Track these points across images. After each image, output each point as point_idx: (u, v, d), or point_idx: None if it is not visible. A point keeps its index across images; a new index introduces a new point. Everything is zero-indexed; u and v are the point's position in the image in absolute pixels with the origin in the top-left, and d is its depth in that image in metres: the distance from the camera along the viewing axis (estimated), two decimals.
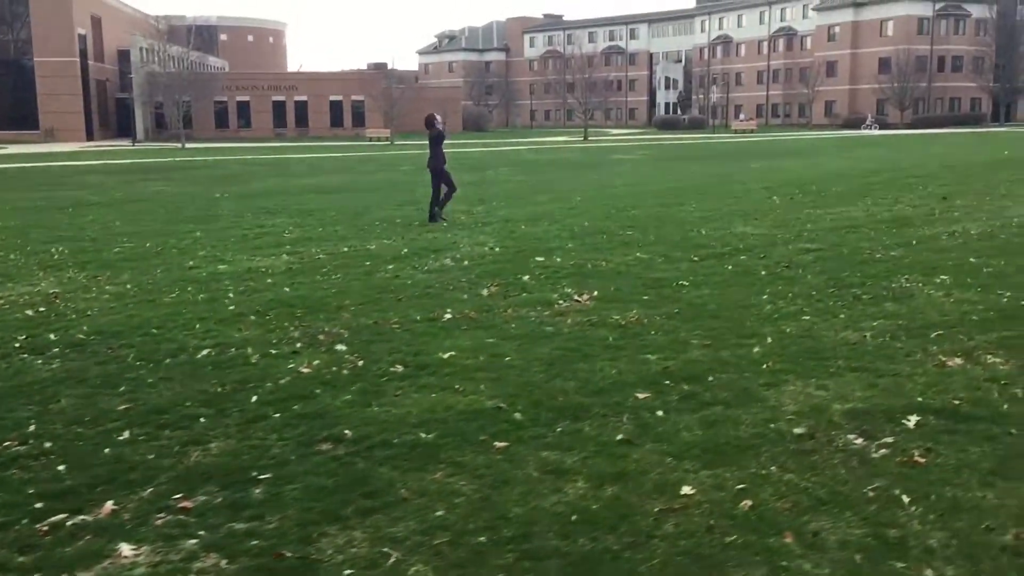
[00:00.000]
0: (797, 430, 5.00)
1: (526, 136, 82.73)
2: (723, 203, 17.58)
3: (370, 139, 71.62)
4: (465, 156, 45.11)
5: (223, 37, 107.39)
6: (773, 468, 4.50)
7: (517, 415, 5.37)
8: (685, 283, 9.48)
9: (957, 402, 5.40)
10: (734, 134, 76.23)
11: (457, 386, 5.95)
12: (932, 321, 7.45)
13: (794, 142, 55.16)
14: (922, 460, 4.54)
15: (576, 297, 8.88)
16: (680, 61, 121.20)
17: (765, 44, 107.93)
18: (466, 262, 11.21)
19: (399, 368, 6.43)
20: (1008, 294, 8.40)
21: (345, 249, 12.61)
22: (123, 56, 78.63)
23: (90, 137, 74.32)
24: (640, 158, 42.44)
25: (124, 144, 66.67)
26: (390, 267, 10.97)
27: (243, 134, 79.17)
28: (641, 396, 5.67)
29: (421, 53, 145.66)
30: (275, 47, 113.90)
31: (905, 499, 4.09)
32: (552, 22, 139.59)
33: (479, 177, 27.98)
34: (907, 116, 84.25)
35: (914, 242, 11.74)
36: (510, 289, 9.40)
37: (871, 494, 4.16)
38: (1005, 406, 5.32)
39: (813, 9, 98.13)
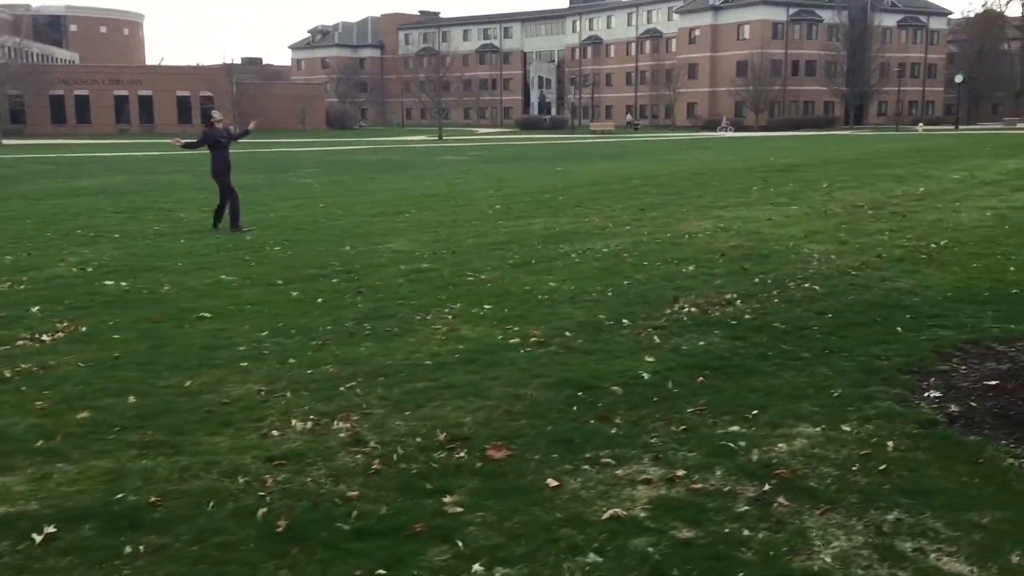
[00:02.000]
0: None
1: (388, 135, 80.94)
2: (437, 214, 16.52)
3: None
4: (290, 156, 43.43)
5: (73, 28, 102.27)
6: None
7: None
8: (207, 314, 8.27)
9: None
10: (592, 134, 76.08)
11: None
12: (387, 365, 6.39)
13: (635, 144, 54.97)
14: None
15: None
16: (553, 61, 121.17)
17: (633, 45, 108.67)
18: None
19: None
20: (510, 328, 7.43)
21: None
22: None
23: None
24: (466, 159, 41.35)
25: None
26: None
27: (82, 130, 75.16)
28: None
29: (294, 48, 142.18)
30: (131, 39, 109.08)
31: None
32: (427, 19, 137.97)
33: (270, 180, 26.50)
34: (762, 119, 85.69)
35: (533, 261, 10.81)
36: None
37: None
38: None
39: (676, 12, 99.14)
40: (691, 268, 9.93)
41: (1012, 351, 6.48)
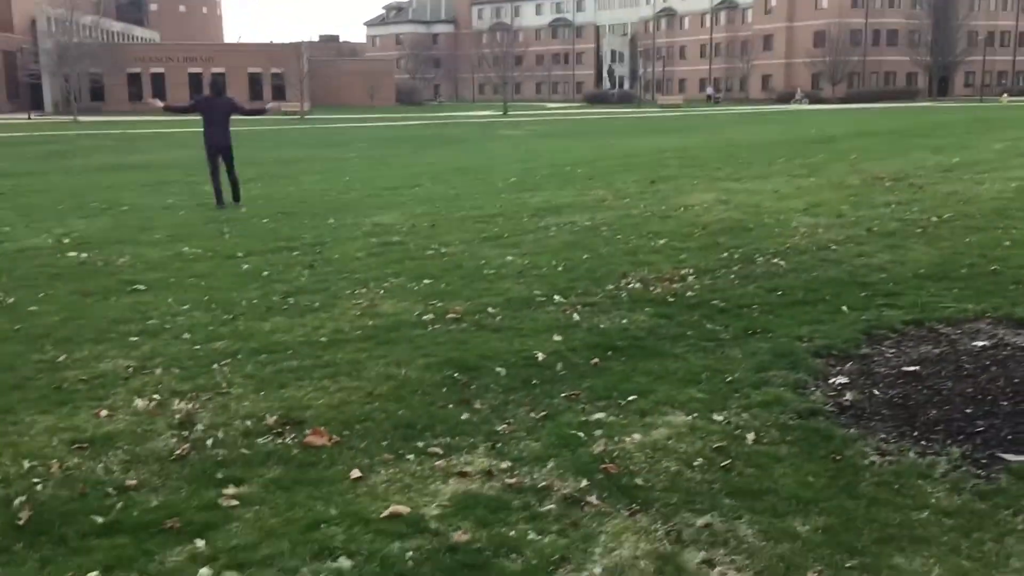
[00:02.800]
0: None
1: (456, 110, 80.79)
2: (448, 187, 16.19)
3: (284, 113, 69.53)
4: (348, 131, 43.66)
5: (153, 7, 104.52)
6: None
7: None
8: (142, 287, 8.08)
9: None
10: (660, 108, 74.68)
11: None
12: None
13: (696, 118, 53.64)
14: None
15: None
16: (626, 34, 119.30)
17: (708, 17, 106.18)
18: None
19: None
20: (434, 304, 7.05)
21: None
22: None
23: None
24: (519, 134, 40.92)
25: (22, 118, 64.36)
26: None
27: (255, 102, 76.81)
28: None
29: (369, 25, 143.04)
30: (209, 17, 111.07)
31: None
32: None
33: (312, 155, 26.67)
34: (840, 91, 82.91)
35: (506, 234, 10.38)
36: None
37: None
38: None
39: None
40: (662, 242, 9.38)
41: (956, 334, 5.84)
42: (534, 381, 5.27)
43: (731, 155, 19.04)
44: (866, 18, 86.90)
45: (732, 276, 7.74)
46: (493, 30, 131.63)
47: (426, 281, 8.01)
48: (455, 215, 12.32)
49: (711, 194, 12.98)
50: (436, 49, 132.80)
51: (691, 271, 7.96)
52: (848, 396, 4.77)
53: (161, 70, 79.36)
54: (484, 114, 69.93)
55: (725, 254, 8.64)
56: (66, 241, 10.90)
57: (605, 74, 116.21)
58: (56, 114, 70.97)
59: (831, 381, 5.06)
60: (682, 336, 6.06)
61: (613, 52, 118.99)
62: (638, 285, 7.50)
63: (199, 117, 14.42)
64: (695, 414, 4.66)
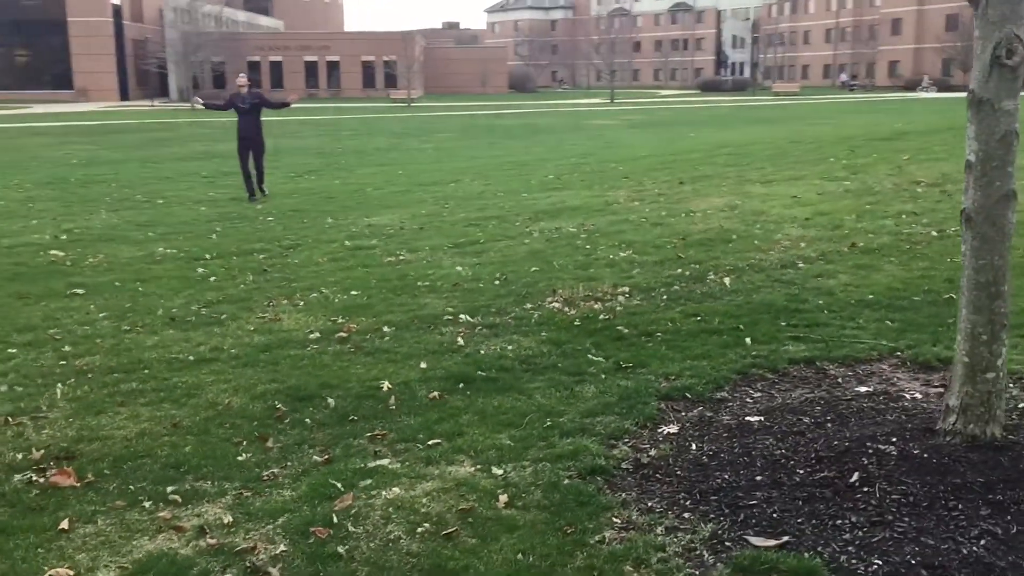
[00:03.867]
0: None
1: (567, 97, 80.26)
2: (480, 185, 15.96)
3: (392, 100, 70.54)
4: (439, 120, 43.91)
5: None
6: None
7: None
8: (81, 291, 8.14)
9: None
10: (775, 96, 72.21)
11: None
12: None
13: (809, 107, 51.55)
14: None
15: None
16: (748, 19, 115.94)
17: (834, 0, 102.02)
18: None
19: None
20: (335, 320, 6.80)
21: None
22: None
23: (124, 97, 75.45)
24: (611, 123, 40.30)
25: (146, 104, 67.36)
26: None
27: (275, 93, 79.16)
28: None
29: (488, 12, 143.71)
30: (331, 7, 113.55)
31: None
32: None
33: (391, 144, 27.05)
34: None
35: (482, 240, 10.03)
36: None
37: None
38: None
39: None
40: (624, 254, 8.86)
41: (845, 376, 5.21)
42: (353, 416, 4.96)
43: (784, 152, 18.02)
44: None
45: (665, 297, 7.20)
46: (612, 16, 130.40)
47: (353, 292, 7.79)
48: (454, 217, 12.04)
49: (725, 198, 12.26)
50: (553, 35, 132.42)
51: (628, 290, 7.45)
52: (652, 452, 4.28)
53: (279, 58, 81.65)
54: (591, 102, 69.21)
55: (679, 270, 8.08)
56: (62, 238, 11.15)
57: (731, 60, 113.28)
58: (181, 101, 73.96)
59: (660, 430, 4.57)
60: (551, 367, 5.63)
61: (734, 37, 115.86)
62: (557, 305, 7.07)
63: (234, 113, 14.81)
64: (479, 466, 4.26)
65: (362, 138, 31.17)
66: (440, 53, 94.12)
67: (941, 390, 4.81)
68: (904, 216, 10.15)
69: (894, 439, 3.99)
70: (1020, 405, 4.46)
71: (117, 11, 75.51)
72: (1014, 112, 3.70)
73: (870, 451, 3.89)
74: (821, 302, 6.77)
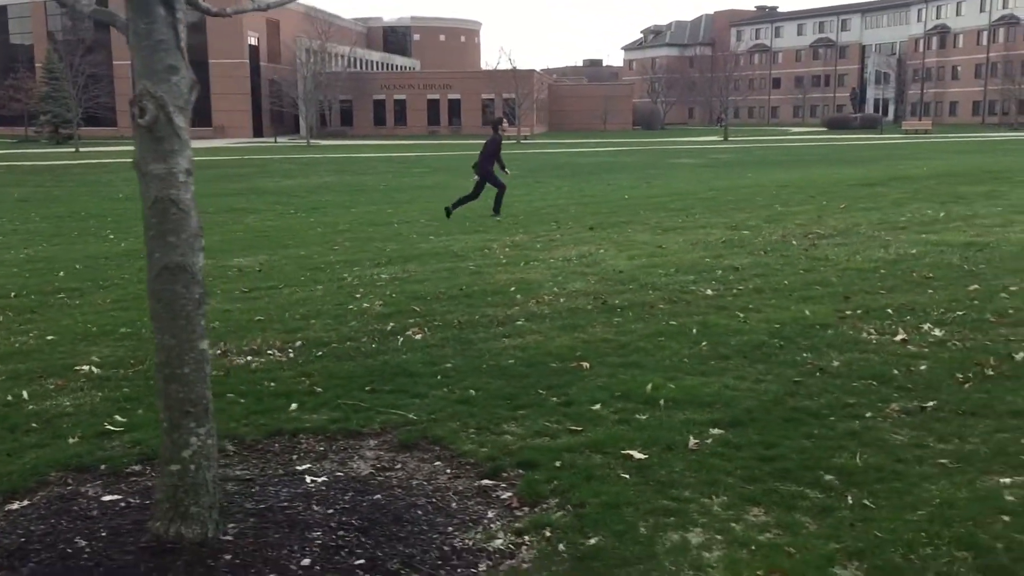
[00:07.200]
0: None
1: (686, 135, 79.12)
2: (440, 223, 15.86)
3: (524, 138, 71.33)
4: (538, 158, 43.99)
5: (416, 37, 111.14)
6: None
7: None
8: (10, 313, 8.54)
9: None
10: (905, 135, 68.76)
11: None
12: None
13: (916, 146, 48.76)
14: None
15: None
16: (893, 54, 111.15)
17: (985, 34, 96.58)
18: None
19: None
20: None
21: None
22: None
23: (258, 134, 79.61)
24: (697, 163, 39.45)
25: (268, 141, 70.72)
26: None
27: (399, 131, 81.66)
28: None
29: (626, 49, 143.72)
30: (467, 45, 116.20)
31: None
32: (761, 15, 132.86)
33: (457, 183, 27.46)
34: None
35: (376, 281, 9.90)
36: None
37: None
38: None
39: None
40: (378, 304, 8.53)
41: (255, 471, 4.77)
42: None
43: (750, 197, 17.04)
44: None
45: (320, 353, 6.87)
46: (752, 51, 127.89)
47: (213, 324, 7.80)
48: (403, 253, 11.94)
49: (588, 247, 11.69)
50: (691, 72, 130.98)
51: (301, 342, 7.17)
52: None
53: (403, 96, 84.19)
54: (706, 139, 67.92)
55: (391, 324, 7.69)
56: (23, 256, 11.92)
57: (874, 97, 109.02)
58: (313, 137, 77.36)
59: None
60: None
61: (877, 73, 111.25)
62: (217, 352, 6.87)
63: None
64: None
65: (438, 175, 31.50)
66: (564, 91, 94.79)
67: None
68: (731, 271, 9.34)
69: (103, 534, 3.62)
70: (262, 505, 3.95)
71: (254, 52, 79.93)
72: (168, 176, 3.31)
73: (60, 548, 3.54)
74: (450, 365, 6.28)
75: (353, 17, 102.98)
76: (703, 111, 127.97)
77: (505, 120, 18.17)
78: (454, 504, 4.09)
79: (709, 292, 8.48)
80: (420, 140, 69.29)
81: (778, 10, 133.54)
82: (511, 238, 13.27)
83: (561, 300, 8.41)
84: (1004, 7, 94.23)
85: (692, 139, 69.28)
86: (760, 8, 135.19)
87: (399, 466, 4.60)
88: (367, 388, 5.88)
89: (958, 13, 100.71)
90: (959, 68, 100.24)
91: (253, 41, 79.44)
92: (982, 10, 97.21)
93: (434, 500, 4.12)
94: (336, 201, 23.07)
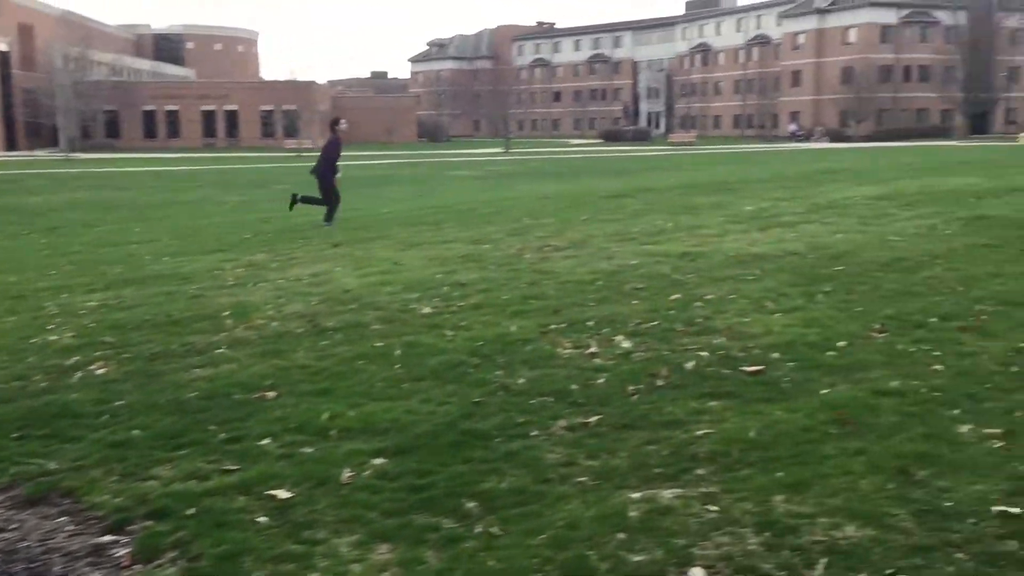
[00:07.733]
0: None
1: (469, 147, 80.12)
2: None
3: (289, 151, 69.63)
4: (270, 173, 42.95)
5: (190, 45, 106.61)
6: None
7: None
8: None
9: None
10: (670, 146, 72.71)
11: None
12: None
13: (680, 158, 51.63)
14: None
15: None
16: (662, 70, 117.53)
17: (742, 52, 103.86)
18: None
19: None
20: None
21: None
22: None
23: (11, 147, 73.72)
24: (471, 174, 39.89)
25: (22, 155, 65.69)
26: None
27: (172, 143, 77.92)
28: None
29: (412, 61, 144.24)
30: (245, 55, 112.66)
31: None
32: (540, 30, 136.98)
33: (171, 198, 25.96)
34: (865, 128, 79.60)
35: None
36: None
37: None
38: None
39: (781, 16, 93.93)
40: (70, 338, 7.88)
41: None
42: None
43: (530, 210, 17.40)
44: (896, 53, 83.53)
45: None
46: (532, 66, 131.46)
47: None
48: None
49: (323, 265, 11.42)
50: (476, 85, 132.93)
51: None
52: None
53: (176, 107, 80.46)
54: (489, 151, 69.02)
55: (75, 358, 7.09)
56: None
57: (647, 111, 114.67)
58: (72, 151, 72.28)
59: None
60: None
61: (649, 88, 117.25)
62: None
63: None
64: None
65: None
66: (348, 103, 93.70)
67: None
68: (443, 289, 9.31)
69: None
70: None
71: (4, 59, 74.03)
72: None
73: None
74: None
75: (120, 24, 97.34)
76: (489, 124, 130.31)
77: (343, 120, 17.63)
78: (57, 568, 3.69)
79: (427, 310, 8.37)
80: (195, 153, 66.36)
81: (556, 26, 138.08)
82: (250, 257, 12.75)
83: (273, 324, 8.06)
84: (758, 28, 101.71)
85: (475, 151, 70.28)
86: (539, 23, 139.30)
87: (15, 526, 4.14)
88: (14, 435, 5.33)
89: (718, 32, 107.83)
90: (721, 84, 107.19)
91: (3, 47, 73.51)
92: (739, 30, 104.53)
93: (34, 566, 3.71)
94: (80, 219, 21.65)
